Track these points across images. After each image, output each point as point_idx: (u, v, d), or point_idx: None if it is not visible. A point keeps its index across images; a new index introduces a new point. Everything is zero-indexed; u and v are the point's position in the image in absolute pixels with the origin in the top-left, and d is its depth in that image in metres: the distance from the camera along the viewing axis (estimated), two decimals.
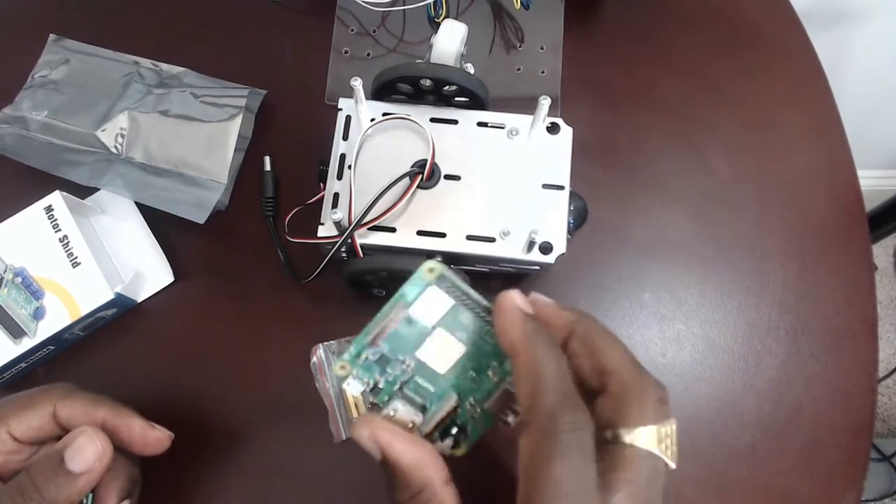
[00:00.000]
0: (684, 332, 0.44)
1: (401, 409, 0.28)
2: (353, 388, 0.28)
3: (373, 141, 0.39)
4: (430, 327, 0.27)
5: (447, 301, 0.27)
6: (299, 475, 0.41)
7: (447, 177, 0.39)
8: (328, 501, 0.40)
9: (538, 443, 0.24)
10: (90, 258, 0.40)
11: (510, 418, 0.28)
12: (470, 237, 0.38)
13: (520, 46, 0.50)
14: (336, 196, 0.39)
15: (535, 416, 0.24)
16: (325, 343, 0.42)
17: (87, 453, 0.29)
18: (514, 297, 0.27)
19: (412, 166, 0.39)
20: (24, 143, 0.44)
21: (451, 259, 0.39)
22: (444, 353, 0.28)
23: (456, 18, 0.42)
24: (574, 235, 0.43)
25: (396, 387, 0.28)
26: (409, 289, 0.27)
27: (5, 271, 0.40)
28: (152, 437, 0.33)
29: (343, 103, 0.41)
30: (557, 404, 0.24)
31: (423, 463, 0.26)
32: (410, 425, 0.28)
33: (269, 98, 0.47)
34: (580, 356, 0.27)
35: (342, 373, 0.28)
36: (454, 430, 0.28)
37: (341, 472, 0.40)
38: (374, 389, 0.28)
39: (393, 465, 0.26)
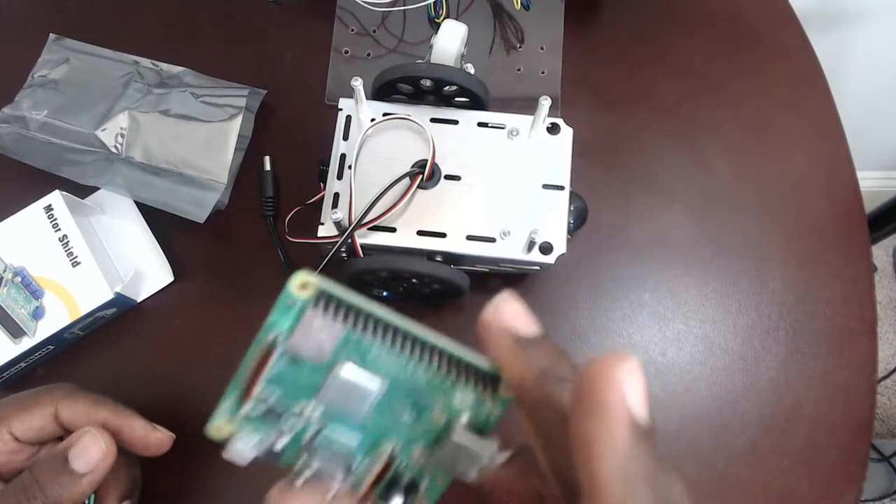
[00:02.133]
0: (684, 332, 0.44)
1: (319, 472, 0.20)
2: (243, 454, 0.20)
3: (373, 141, 0.39)
4: (328, 362, 0.19)
5: (336, 327, 0.19)
6: None
7: (447, 177, 0.39)
8: None
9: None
10: (90, 258, 0.40)
11: (473, 472, 0.19)
12: (470, 237, 0.38)
13: (520, 47, 0.50)
14: (336, 196, 0.39)
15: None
16: None
17: (91, 453, 0.29)
18: (498, 310, 0.19)
19: (412, 166, 0.39)
20: (24, 142, 0.44)
21: (451, 259, 0.39)
22: (354, 393, 0.19)
23: (456, 19, 0.42)
24: (574, 235, 0.43)
25: (302, 444, 0.20)
26: (277, 315, 0.19)
27: (5, 271, 0.40)
28: (154, 439, 0.33)
29: (343, 103, 0.41)
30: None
31: None
32: (330, 497, 0.20)
33: (269, 98, 0.47)
34: (532, 436, 0.18)
35: (219, 435, 0.20)
36: (399, 487, 0.21)
37: None
38: (271, 454, 0.20)
39: None
